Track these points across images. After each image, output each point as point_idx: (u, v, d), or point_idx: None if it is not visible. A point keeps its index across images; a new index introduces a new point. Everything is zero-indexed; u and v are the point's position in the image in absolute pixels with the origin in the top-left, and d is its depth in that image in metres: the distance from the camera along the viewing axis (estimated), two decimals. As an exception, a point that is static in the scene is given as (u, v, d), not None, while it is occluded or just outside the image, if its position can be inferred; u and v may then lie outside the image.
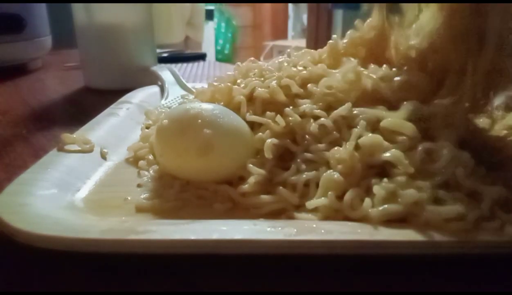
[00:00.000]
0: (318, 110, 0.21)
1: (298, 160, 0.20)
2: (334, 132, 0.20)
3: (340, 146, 0.19)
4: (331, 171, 0.18)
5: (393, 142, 0.19)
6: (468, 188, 0.17)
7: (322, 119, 0.21)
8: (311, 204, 0.18)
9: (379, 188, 0.17)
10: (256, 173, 0.19)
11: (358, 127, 0.19)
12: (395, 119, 0.19)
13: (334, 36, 0.26)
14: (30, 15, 0.57)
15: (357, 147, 0.19)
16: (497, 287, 0.15)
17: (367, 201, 0.17)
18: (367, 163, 0.18)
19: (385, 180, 0.17)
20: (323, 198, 0.18)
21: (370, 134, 0.19)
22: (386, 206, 0.16)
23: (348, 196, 0.17)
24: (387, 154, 0.18)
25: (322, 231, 0.15)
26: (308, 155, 0.20)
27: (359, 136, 0.19)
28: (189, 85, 0.43)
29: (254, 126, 0.22)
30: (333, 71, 0.23)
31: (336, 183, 0.18)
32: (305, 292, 0.15)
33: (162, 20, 1.20)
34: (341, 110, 0.20)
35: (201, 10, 1.45)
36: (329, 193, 0.17)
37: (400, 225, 0.16)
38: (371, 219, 0.16)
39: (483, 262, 0.16)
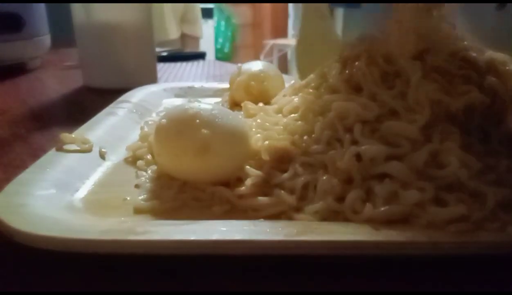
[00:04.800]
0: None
1: (296, 164, 0.20)
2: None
3: (335, 148, 0.19)
4: (329, 176, 0.18)
5: (395, 145, 0.18)
6: (471, 189, 0.17)
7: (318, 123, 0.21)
8: (310, 209, 0.17)
9: (381, 188, 0.17)
10: (253, 175, 0.19)
11: (354, 131, 0.19)
12: (397, 122, 0.19)
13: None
14: (29, 14, 0.57)
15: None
16: (499, 287, 0.15)
17: (369, 206, 0.16)
18: (367, 172, 0.18)
19: (387, 179, 0.17)
20: (321, 202, 0.17)
21: (372, 144, 0.18)
22: (387, 206, 0.16)
23: (349, 199, 0.17)
24: (388, 168, 0.17)
25: (323, 231, 0.15)
26: (306, 159, 0.20)
27: (355, 142, 0.19)
28: (189, 84, 0.43)
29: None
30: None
31: (334, 188, 0.18)
32: (305, 292, 0.15)
33: (154, 17, 1.18)
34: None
35: (195, 5, 1.44)
36: (328, 198, 0.17)
37: (401, 226, 0.16)
38: (372, 220, 0.16)
39: (485, 263, 0.16)
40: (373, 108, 0.20)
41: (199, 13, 1.47)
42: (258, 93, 0.34)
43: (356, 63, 0.22)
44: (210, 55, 1.78)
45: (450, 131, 0.19)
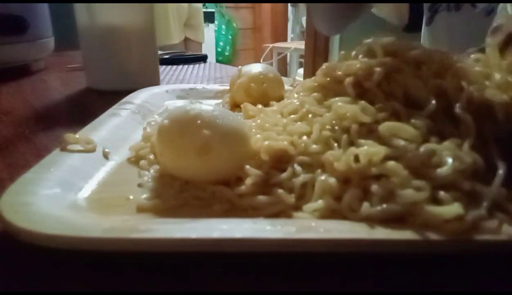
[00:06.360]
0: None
1: (295, 164, 0.20)
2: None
3: (333, 148, 0.19)
4: (327, 175, 0.19)
5: (392, 145, 0.19)
6: (468, 188, 0.17)
7: (317, 124, 0.21)
8: (308, 207, 0.18)
9: (378, 187, 0.17)
10: (253, 174, 0.20)
11: (351, 132, 0.19)
12: (395, 123, 0.19)
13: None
14: (33, 17, 0.57)
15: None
16: (495, 286, 0.15)
17: (366, 205, 0.17)
18: (364, 173, 0.18)
19: (384, 179, 0.17)
20: (320, 200, 0.18)
21: (369, 145, 0.19)
22: (384, 205, 0.17)
23: (346, 197, 0.17)
24: (385, 168, 0.18)
25: (321, 229, 0.16)
26: (304, 158, 0.20)
27: (351, 143, 0.19)
28: (190, 86, 0.43)
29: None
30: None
31: (332, 188, 0.18)
32: (304, 291, 0.15)
33: (160, 22, 1.22)
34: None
35: (198, 11, 1.47)
36: (326, 197, 0.18)
37: (398, 225, 0.16)
38: (370, 218, 0.16)
39: (481, 262, 0.16)
40: (372, 113, 0.20)
41: (201, 20, 1.50)
42: (258, 94, 0.35)
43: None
44: (211, 58, 1.79)
45: (448, 131, 0.19)
